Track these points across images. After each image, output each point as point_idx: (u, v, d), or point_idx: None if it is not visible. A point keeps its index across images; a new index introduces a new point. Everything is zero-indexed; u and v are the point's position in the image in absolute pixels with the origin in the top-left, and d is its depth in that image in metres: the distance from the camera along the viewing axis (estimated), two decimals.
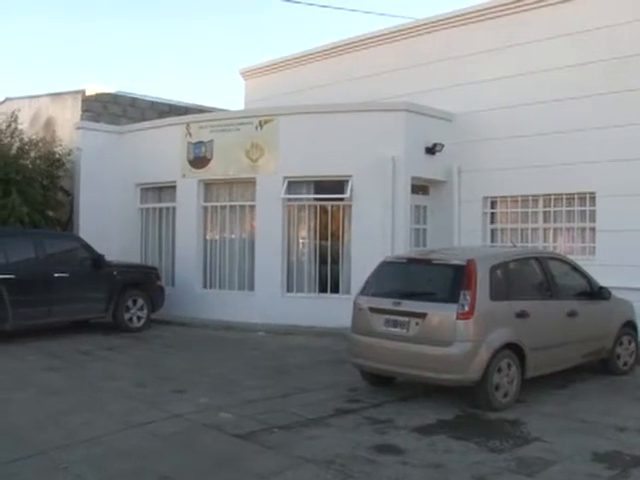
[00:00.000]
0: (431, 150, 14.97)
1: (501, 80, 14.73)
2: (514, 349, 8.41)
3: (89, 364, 11.00)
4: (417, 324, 8.28)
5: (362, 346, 8.95)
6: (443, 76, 15.64)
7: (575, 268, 10.09)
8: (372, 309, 8.85)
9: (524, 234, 14.81)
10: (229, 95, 52.24)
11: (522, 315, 8.51)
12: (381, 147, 14.40)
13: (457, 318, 8.02)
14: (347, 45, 18.13)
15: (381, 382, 9.43)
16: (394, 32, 16.99)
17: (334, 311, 13.57)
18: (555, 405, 8.55)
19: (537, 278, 9.36)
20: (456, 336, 8.01)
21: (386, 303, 8.69)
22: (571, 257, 11.11)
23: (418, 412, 8.17)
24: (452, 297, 8.17)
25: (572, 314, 9.28)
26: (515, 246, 12.96)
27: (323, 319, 14.05)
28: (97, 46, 51.04)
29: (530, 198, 14.65)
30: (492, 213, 15.35)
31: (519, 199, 14.83)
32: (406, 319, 8.39)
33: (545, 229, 14.52)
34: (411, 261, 9.47)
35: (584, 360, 9.75)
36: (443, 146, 15.00)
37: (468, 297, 8.06)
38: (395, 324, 8.52)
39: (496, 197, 15.22)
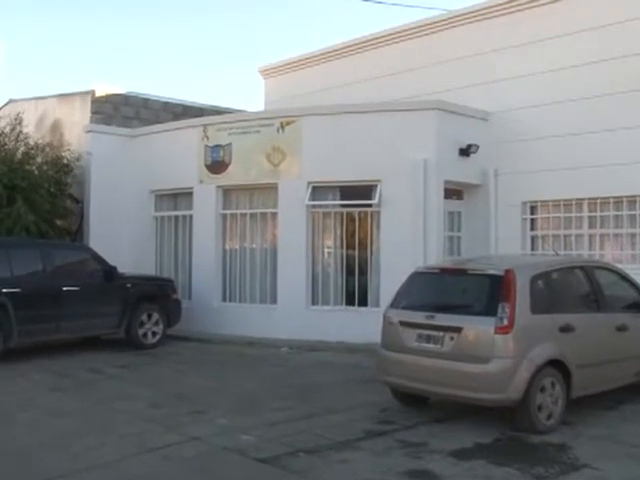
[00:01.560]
0: (465, 151, 14.91)
1: (541, 75, 14.66)
2: (558, 366, 8.31)
3: (100, 383, 11.03)
4: (452, 339, 8.23)
5: (393, 363, 8.91)
6: (476, 72, 15.62)
7: (624, 278, 9.94)
8: (403, 323, 8.81)
9: (567, 241, 14.70)
10: (247, 95, 52.47)
11: (566, 329, 8.40)
12: (411, 149, 14.36)
13: (495, 333, 7.95)
14: (372, 41, 18.15)
15: (414, 402, 9.35)
16: (422, 26, 17.00)
17: (362, 325, 13.55)
18: (604, 428, 8.42)
19: (582, 289, 9.26)
20: (494, 352, 7.94)
21: (418, 317, 8.65)
22: (620, 266, 10.96)
23: (454, 435, 8.10)
24: (489, 310, 8.10)
25: (622, 328, 9.14)
26: (558, 254, 12.84)
27: (351, 334, 14.01)
28: (103, 46, 51.65)
29: (574, 202, 14.53)
30: (532, 219, 15.25)
31: (561, 203, 14.72)
32: (440, 334, 8.34)
33: (591, 235, 14.38)
34: (445, 271, 9.42)
35: (636, 379, 9.59)
36: (478, 147, 14.93)
37: (507, 310, 7.99)
38: (428, 339, 8.46)
39: (536, 201, 15.12)
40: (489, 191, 15.37)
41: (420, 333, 8.56)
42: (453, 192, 15.43)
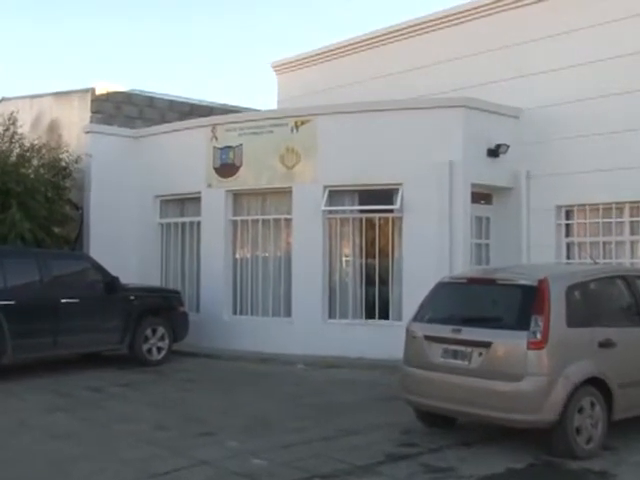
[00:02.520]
0: (494, 152, 14.87)
1: (578, 67, 14.55)
2: (598, 385, 8.22)
3: (101, 403, 11.02)
4: (480, 355, 8.18)
5: (416, 381, 8.87)
6: (507, 66, 15.57)
7: None
8: (428, 337, 8.78)
9: (607, 249, 14.62)
10: (259, 93, 52.70)
11: (607, 345, 8.32)
12: (436, 150, 14.35)
13: (528, 348, 7.88)
14: (393, 33, 18.17)
15: (439, 423, 9.30)
16: (446, 16, 17.01)
17: (383, 340, 13.55)
18: None
19: (624, 300, 9.17)
20: (527, 369, 7.88)
21: (444, 330, 8.61)
22: None
23: (484, 459, 8.04)
24: (521, 323, 8.04)
25: None
26: (596, 263, 12.76)
27: (371, 349, 14.00)
28: (103, 44, 51.98)
29: (614, 206, 14.46)
30: (567, 224, 15.18)
31: (600, 207, 14.64)
32: (468, 349, 8.31)
33: (633, 242, 14.31)
34: (472, 281, 9.39)
35: None
36: (508, 147, 14.88)
37: (540, 323, 7.93)
38: (455, 355, 8.43)
39: (572, 205, 15.04)
40: (520, 195, 15.30)
41: (446, 348, 8.52)
42: (481, 196, 15.38)
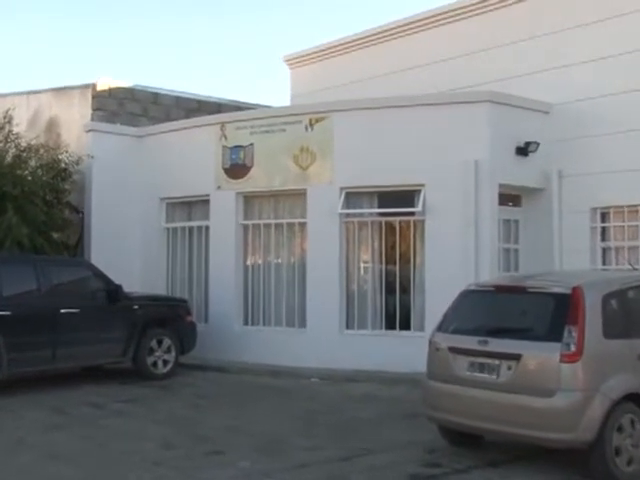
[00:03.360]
0: (523, 150, 14.81)
1: (615, 58, 14.46)
2: (639, 402, 8.14)
3: (102, 421, 11.03)
4: (509, 368, 8.15)
5: (441, 396, 8.86)
6: (536, 57, 15.51)
7: None
8: (452, 349, 8.76)
9: None
10: (271, 89, 52.63)
11: None
12: (461, 148, 14.32)
13: (561, 361, 7.84)
14: (414, 23, 18.15)
15: (465, 441, 9.29)
16: (471, 5, 16.95)
17: (405, 352, 13.53)
18: None
19: None
20: (560, 384, 7.82)
21: (470, 342, 8.59)
22: None
23: None
24: (554, 334, 8.01)
25: None
26: (635, 269, 12.63)
27: (392, 362, 13.96)
28: (104, 38, 52.10)
29: None
30: (603, 228, 15.11)
31: (639, 209, 14.53)
32: (496, 362, 8.28)
33: None
34: (500, 289, 9.35)
35: None
36: (538, 145, 14.81)
37: (574, 334, 7.89)
38: (482, 368, 8.41)
39: (609, 207, 14.97)
40: (552, 196, 15.24)
41: (472, 361, 8.51)
42: (509, 197, 15.34)
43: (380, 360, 14.21)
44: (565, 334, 7.89)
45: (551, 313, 8.26)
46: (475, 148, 14.30)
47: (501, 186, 14.58)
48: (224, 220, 16.39)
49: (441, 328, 9.14)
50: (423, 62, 17.46)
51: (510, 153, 14.73)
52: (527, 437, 8.17)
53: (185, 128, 17.38)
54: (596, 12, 14.81)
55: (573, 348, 7.82)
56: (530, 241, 15.50)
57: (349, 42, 19.59)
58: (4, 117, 17.13)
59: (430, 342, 9.14)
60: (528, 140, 14.77)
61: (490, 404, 8.24)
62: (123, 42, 51.83)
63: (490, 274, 13.76)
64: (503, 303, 9.08)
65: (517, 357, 8.10)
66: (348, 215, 15.25)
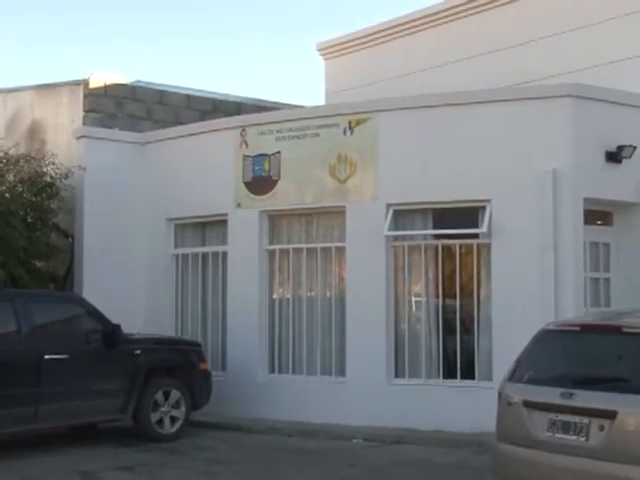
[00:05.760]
0: (615, 156, 14.64)
1: None
2: None
3: None
4: (602, 429, 7.96)
5: (515, 463, 8.73)
6: (630, 39, 15.36)
7: None
8: (528, 404, 8.62)
9: None
10: (301, 86, 52.92)
11: None
12: (536, 155, 14.28)
13: None
14: (472, 2, 18.05)
15: None
16: None
17: (468, 407, 13.59)
18: None
19: None
20: None
21: (550, 394, 8.43)
22: None
23: None
24: None
25: None
26: None
27: (452, 419, 13.95)
28: (100, 29, 52.73)
29: None
30: None
31: None
32: (584, 420, 8.10)
33: None
34: (588, 329, 9.16)
35: None
36: (634, 149, 14.63)
37: None
38: (566, 428, 8.23)
39: None
40: None
41: (553, 419, 8.35)
42: (598, 215, 15.28)
43: (437, 417, 14.19)
44: None
45: None
46: (554, 154, 14.23)
47: (587, 201, 14.44)
48: (245, 245, 16.45)
49: (513, 377, 9.02)
50: (486, 50, 17.58)
51: (598, 160, 14.57)
52: None
53: (197, 133, 17.50)
54: None
55: None
56: (625, 269, 15.34)
57: (394, 26, 19.72)
58: None
59: (500, 394, 9.04)
60: (621, 143, 14.59)
61: (577, 474, 8.07)
62: (120, 33, 52.53)
63: (574, 310, 13.66)
64: (592, 346, 8.91)
65: (612, 415, 7.90)
66: (396, 238, 15.28)
